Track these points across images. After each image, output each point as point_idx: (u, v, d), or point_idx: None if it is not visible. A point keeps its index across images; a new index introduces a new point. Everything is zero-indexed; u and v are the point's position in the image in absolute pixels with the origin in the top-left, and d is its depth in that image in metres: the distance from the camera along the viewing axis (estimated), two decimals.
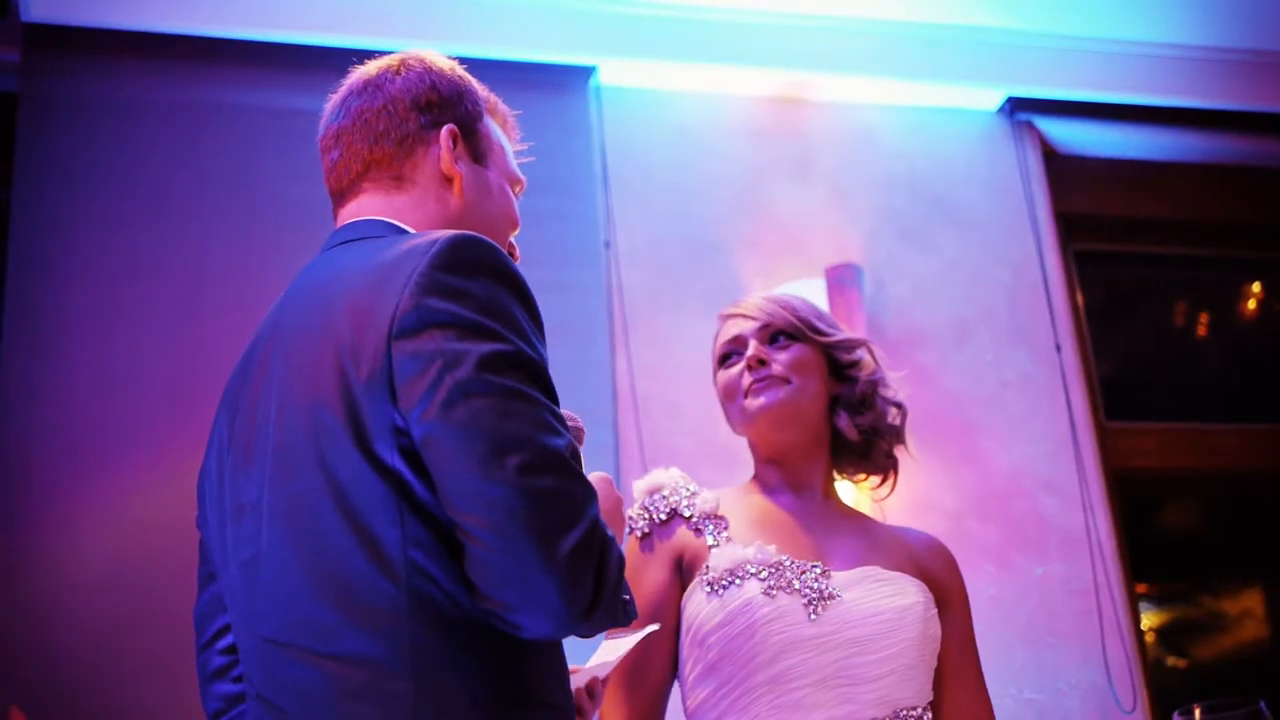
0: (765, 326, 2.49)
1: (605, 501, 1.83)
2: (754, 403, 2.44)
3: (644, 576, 2.36)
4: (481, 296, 1.63)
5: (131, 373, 3.96)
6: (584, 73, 4.68)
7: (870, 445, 2.55)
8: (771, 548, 2.30)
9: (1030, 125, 5.21)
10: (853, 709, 2.19)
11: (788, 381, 2.44)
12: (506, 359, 1.58)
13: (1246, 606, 5.50)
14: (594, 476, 1.85)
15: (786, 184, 4.85)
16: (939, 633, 2.36)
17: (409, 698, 1.55)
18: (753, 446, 2.55)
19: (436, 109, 1.97)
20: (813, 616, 2.23)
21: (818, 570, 2.29)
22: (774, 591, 2.23)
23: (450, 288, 1.62)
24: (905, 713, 2.23)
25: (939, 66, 5.05)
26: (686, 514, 2.40)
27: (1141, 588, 5.07)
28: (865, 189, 4.94)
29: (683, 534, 2.39)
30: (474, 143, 1.99)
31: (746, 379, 2.45)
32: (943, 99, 5.13)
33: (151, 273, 4.09)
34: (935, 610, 2.36)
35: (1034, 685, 4.37)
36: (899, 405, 2.59)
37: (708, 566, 2.31)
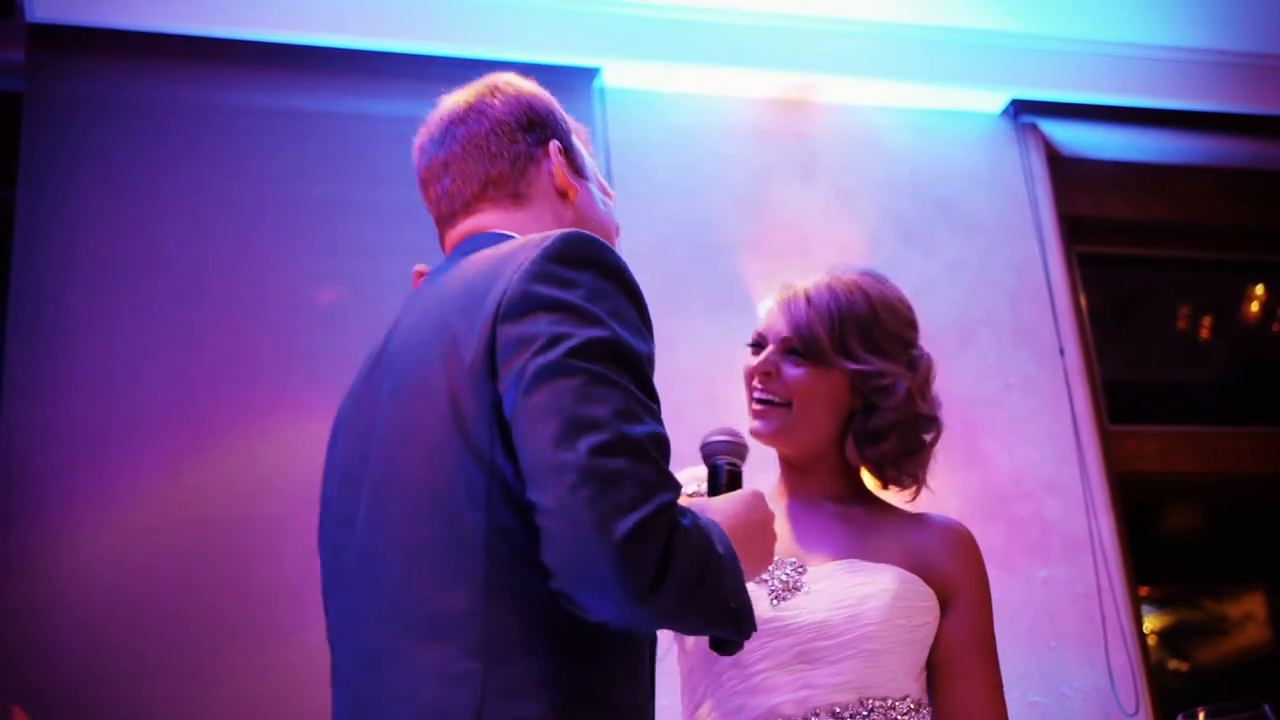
0: (788, 339, 2.40)
1: (750, 514, 1.88)
2: (754, 424, 2.41)
3: None
4: (588, 286, 1.68)
5: (133, 373, 3.97)
6: (588, 74, 4.68)
7: (881, 470, 2.45)
8: None
9: (1034, 128, 5.21)
10: (811, 693, 2.16)
11: (788, 405, 2.38)
12: (603, 345, 1.62)
13: (1248, 610, 5.50)
14: (746, 492, 1.93)
15: (790, 186, 4.85)
16: (922, 623, 2.27)
17: (478, 678, 1.59)
18: None
19: (539, 128, 2.07)
20: (774, 603, 2.22)
21: (792, 565, 2.27)
22: None
23: (558, 277, 1.67)
24: (874, 701, 2.17)
25: (943, 69, 5.05)
26: None
27: (1143, 591, 5.07)
28: (869, 191, 4.93)
29: None
30: (572, 158, 2.10)
31: (755, 389, 2.41)
32: (946, 101, 5.13)
33: (154, 272, 4.09)
34: (925, 603, 2.28)
35: (1037, 688, 4.36)
36: (924, 441, 2.46)
37: None
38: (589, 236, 1.75)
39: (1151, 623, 5.21)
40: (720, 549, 1.63)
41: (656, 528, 1.52)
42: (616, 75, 4.74)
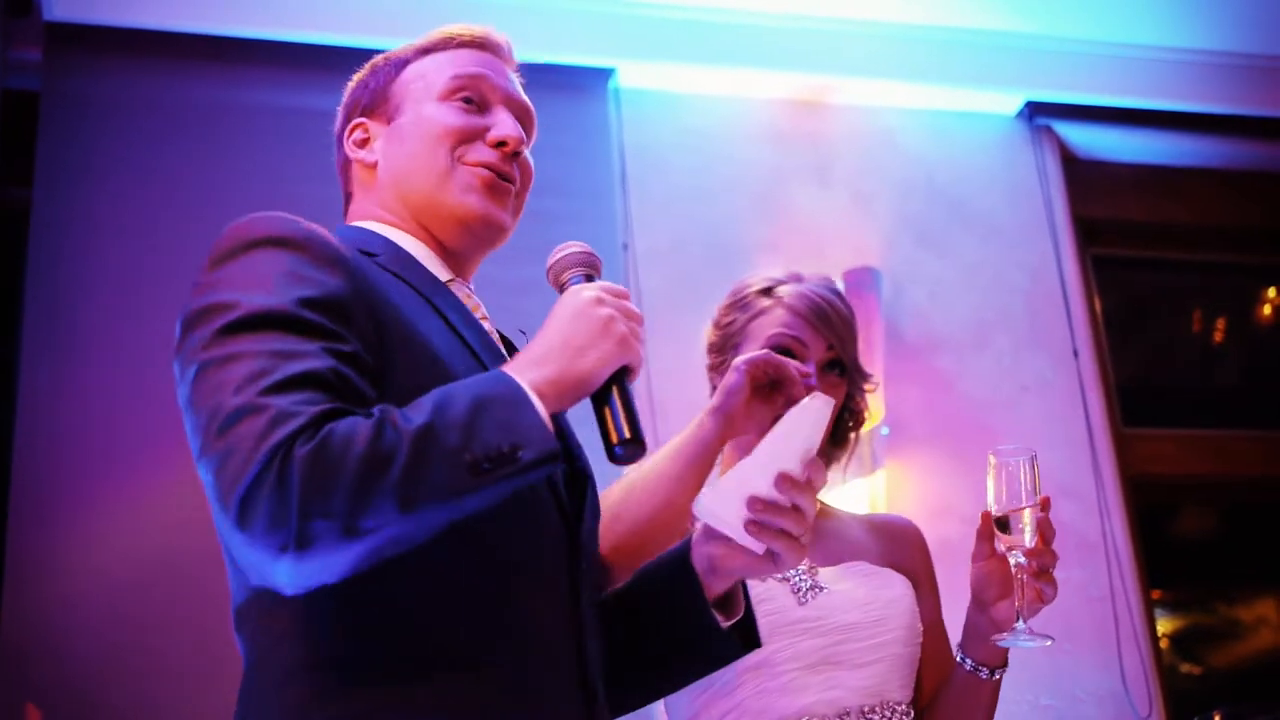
0: (831, 349, 2.37)
1: (560, 317, 1.65)
2: None
3: None
4: (226, 277, 1.60)
5: (152, 373, 3.96)
6: (603, 75, 4.69)
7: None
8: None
9: (1049, 130, 5.21)
10: (840, 694, 2.16)
11: None
12: (229, 327, 1.52)
13: (1262, 613, 5.48)
14: (571, 289, 1.72)
15: (805, 187, 4.85)
16: (921, 628, 2.32)
17: (250, 653, 1.65)
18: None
19: (345, 120, 2.01)
20: (801, 601, 2.20)
21: (805, 565, 2.26)
22: (764, 576, 2.20)
23: (201, 284, 1.61)
24: (892, 705, 2.19)
25: (958, 71, 5.05)
26: None
27: (1156, 594, 5.06)
28: (884, 193, 4.93)
29: None
30: (384, 109, 1.96)
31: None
32: (962, 103, 5.13)
33: (172, 272, 4.08)
34: (918, 607, 2.33)
35: (1050, 692, 4.36)
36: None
37: None
38: (241, 223, 1.64)
39: (1165, 626, 5.20)
40: (415, 423, 1.45)
41: (262, 485, 1.40)
42: (631, 76, 4.74)
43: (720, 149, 4.82)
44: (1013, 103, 5.16)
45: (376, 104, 1.97)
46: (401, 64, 1.99)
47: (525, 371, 1.55)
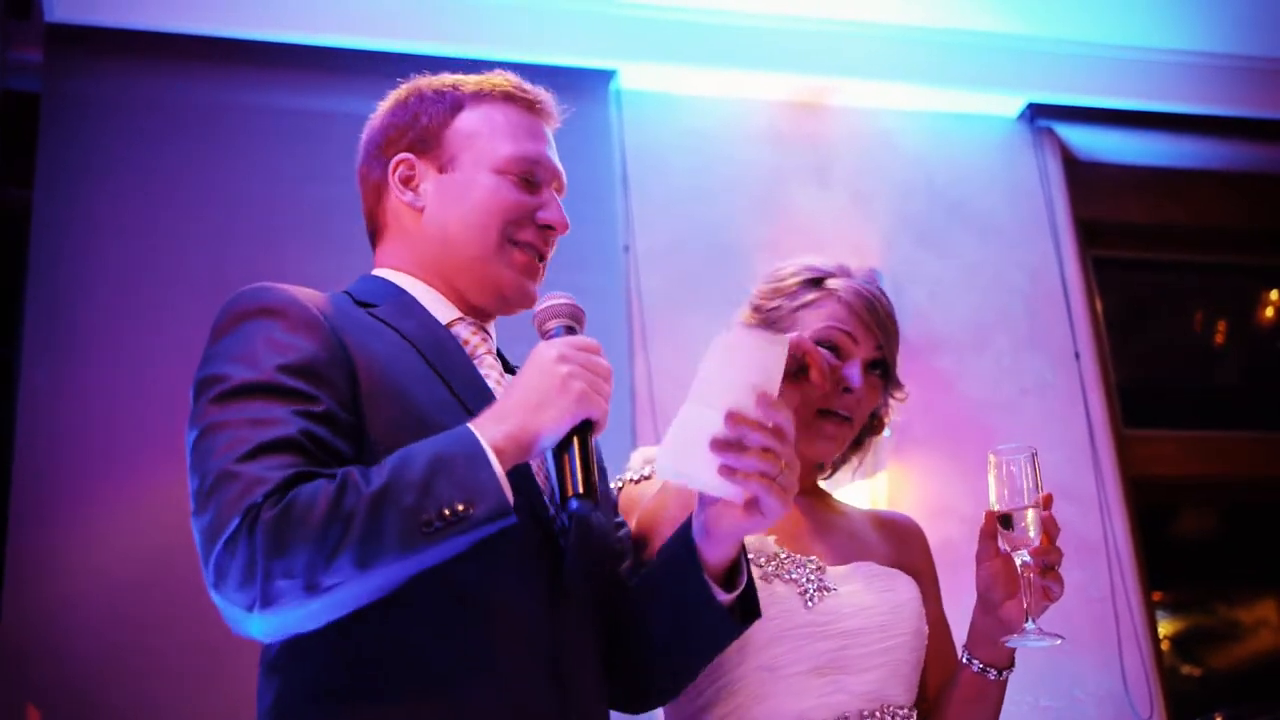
0: (879, 349, 2.31)
1: (524, 375, 1.71)
2: (819, 445, 2.27)
3: (645, 492, 2.25)
4: (218, 350, 1.73)
5: (151, 373, 3.97)
6: (604, 76, 4.69)
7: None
8: (770, 539, 2.23)
9: (1050, 131, 5.21)
10: (843, 699, 2.14)
11: (850, 424, 2.30)
12: (216, 400, 1.66)
13: (1262, 615, 5.48)
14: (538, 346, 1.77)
15: (805, 188, 4.85)
16: (926, 631, 2.29)
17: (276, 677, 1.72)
18: None
19: (390, 145, 2.00)
20: (808, 605, 2.18)
21: (814, 564, 2.23)
22: (770, 579, 2.17)
23: (204, 357, 1.74)
24: (893, 709, 2.17)
25: (959, 72, 5.05)
26: None
27: (1157, 595, 5.05)
28: (884, 194, 4.93)
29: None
30: (436, 153, 1.97)
31: (832, 401, 2.25)
32: (963, 105, 5.13)
33: (170, 272, 4.10)
34: (923, 608, 2.30)
35: (1050, 692, 4.36)
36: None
37: None
38: (233, 298, 1.77)
39: (1165, 627, 5.20)
40: (374, 485, 1.56)
41: (232, 549, 1.54)
42: (632, 78, 4.74)
43: (720, 150, 4.82)
44: (1014, 104, 5.16)
45: (428, 145, 1.97)
46: (456, 105, 1.99)
47: (487, 427, 1.64)
